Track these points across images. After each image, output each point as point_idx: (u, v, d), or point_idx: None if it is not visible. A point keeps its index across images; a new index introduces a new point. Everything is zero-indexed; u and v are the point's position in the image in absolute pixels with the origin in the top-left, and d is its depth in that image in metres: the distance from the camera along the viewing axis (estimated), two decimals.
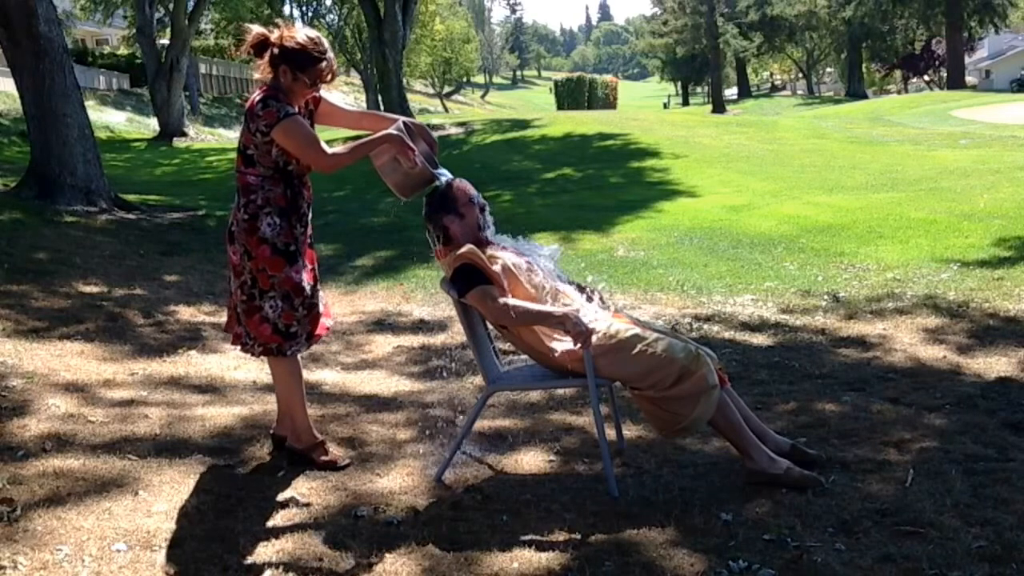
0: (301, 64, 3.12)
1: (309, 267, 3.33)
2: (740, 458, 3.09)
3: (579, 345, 2.98)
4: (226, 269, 3.44)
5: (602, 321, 3.11)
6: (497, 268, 3.13)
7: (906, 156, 14.71)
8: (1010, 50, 46.79)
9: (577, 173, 14.71)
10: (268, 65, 3.16)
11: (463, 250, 3.15)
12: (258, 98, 3.14)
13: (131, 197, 10.35)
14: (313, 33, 3.19)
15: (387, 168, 3.19)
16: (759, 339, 5.19)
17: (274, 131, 3.09)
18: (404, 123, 3.23)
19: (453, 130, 20.30)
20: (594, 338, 3.02)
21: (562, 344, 3.10)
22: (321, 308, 3.38)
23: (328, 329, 3.48)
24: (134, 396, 4.10)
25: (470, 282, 3.10)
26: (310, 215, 3.34)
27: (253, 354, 3.36)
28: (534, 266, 3.24)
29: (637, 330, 3.07)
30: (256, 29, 3.20)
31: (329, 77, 3.21)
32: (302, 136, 3.12)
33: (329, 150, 3.16)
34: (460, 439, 3.30)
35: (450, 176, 3.28)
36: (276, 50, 3.13)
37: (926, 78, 51.22)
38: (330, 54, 3.19)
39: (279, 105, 3.10)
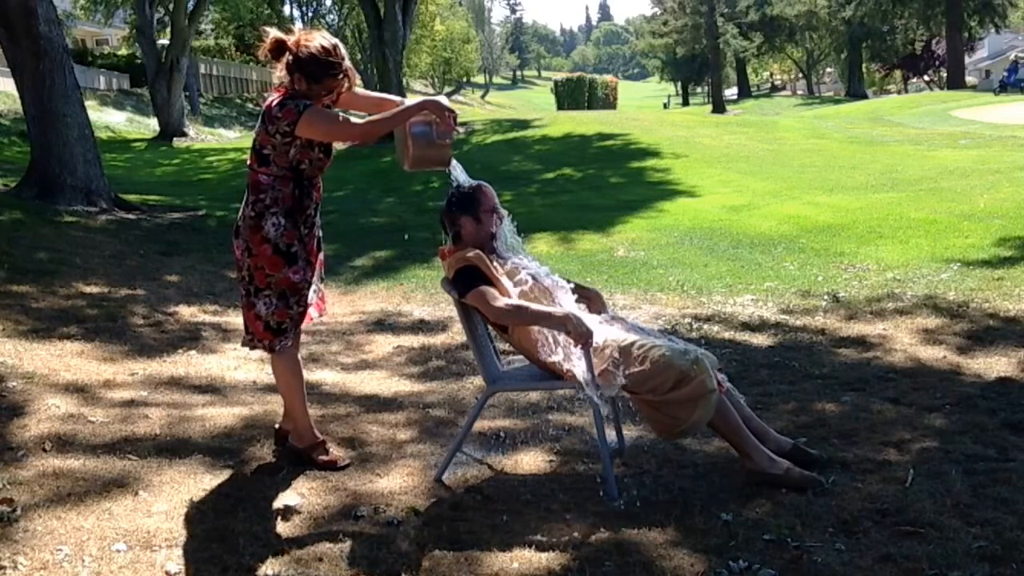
0: (315, 75, 3.10)
1: (312, 263, 3.32)
2: (740, 458, 3.09)
3: (579, 346, 2.98)
4: (229, 266, 3.45)
5: (600, 331, 3.10)
6: (498, 273, 3.14)
7: (906, 156, 14.71)
8: (1010, 50, 46.76)
9: (577, 173, 14.72)
10: (284, 70, 3.14)
11: (467, 253, 3.16)
12: (276, 101, 3.13)
13: (131, 197, 10.35)
14: (330, 41, 3.13)
15: (416, 129, 3.10)
16: (759, 339, 5.19)
17: (298, 128, 3.07)
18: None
19: None
20: (593, 345, 3.02)
21: (562, 356, 3.10)
22: (313, 300, 3.36)
23: (311, 319, 3.44)
24: (134, 396, 4.10)
25: (471, 283, 3.11)
26: (317, 216, 3.33)
27: (252, 348, 3.36)
28: (536, 277, 3.24)
29: (634, 336, 3.08)
30: (273, 33, 3.17)
31: (345, 86, 3.20)
32: (326, 119, 3.11)
33: (359, 120, 3.14)
34: (460, 439, 3.30)
35: (464, 174, 3.30)
36: (291, 57, 3.12)
37: (926, 78, 51.19)
38: (346, 63, 3.16)
39: (295, 102, 3.08)
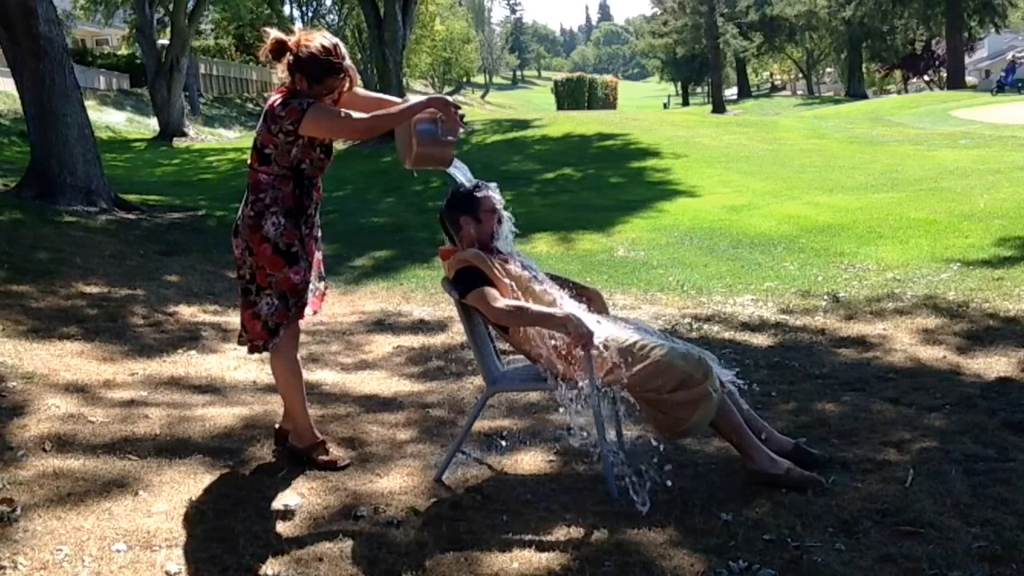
0: (316, 74, 3.11)
1: (312, 264, 3.32)
2: (740, 458, 3.09)
3: (580, 347, 2.98)
4: (229, 266, 3.45)
5: (601, 332, 3.10)
6: (499, 273, 3.14)
7: (906, 156, 14.72)
8: (1010, 50, 46.77)
9: (577, 173, 14.71)
10: (286, 70, 3.15)
11: (468, 253, 3.16)
12: (278, 101, 3.13)
13: (131, 197, 10.35)
14: (330, 41, 3.14)
15: (421, 127, 3.08)
16: (759, 339, 5.18)
17: (302, 126, 3.07)
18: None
19: None
20: (593, 352, 3.01)
21: (563, 363, 3.10)
22: (309, 299, 3.36)
23: (309, 320, 3.44)
24: (134, 396, 4.10)
25: (471, 283, 3.11)
26: (317, 216, 3.34)
27: (249, 349, 3.36)
28: (536, 278, 3.24)
29: (636, 337, 3.07)
30: (274, 33, 3.18)
31: (346, 85, 3.20)
32: (330, 116, 3.11)
33: (363, 115, 3.15)
34: (460, 439, 3.30)
35: (466, 175, 3.30)
36: (291, 57, 3.12)
37: (926, 78, 51.17)
38: (347, 62, 3.16)
39: (298, 101, 3.09)
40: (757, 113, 38.50)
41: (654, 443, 3.39)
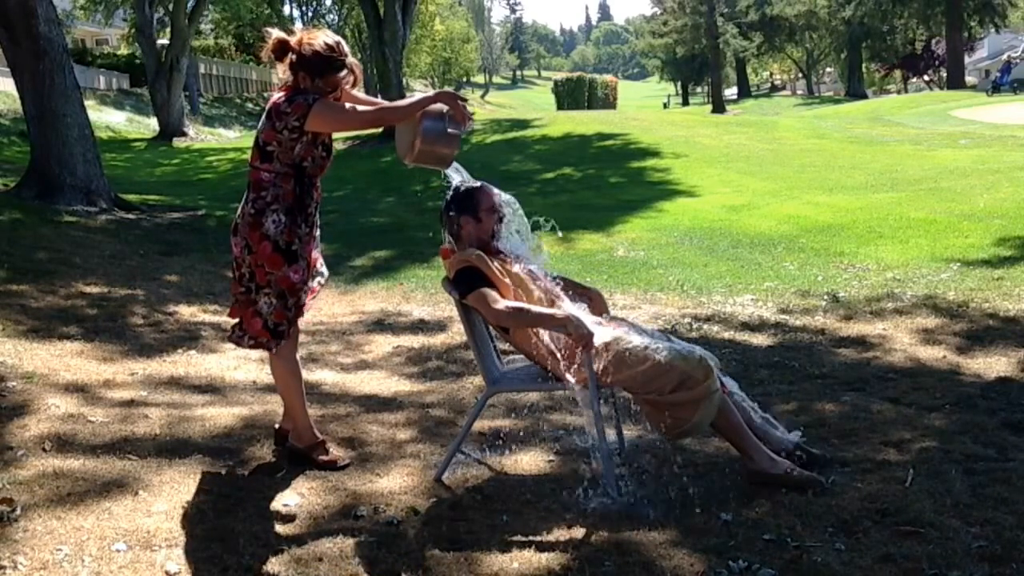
0: (320, 71, 3.12)
1: (309, 264, 3.32)
2: (740, 458, 3.09)
3: (580, 348, 2.98)
4: (229, 266, 3.45)
5: (601, 333, 3.10)
6: (500, 274, 3.13)
7: (906, 156, 14.72)
8: (1009, 50, 46.76)
9: (577, 173, 14.71)
10: (288, 69, 3.15)
11: (468, 254, 3.15)
12: (282, 98, 3.14)
13: (131, 197, 10.35)
14: (332, 39, 3.16)
15: (427, 124, 3.07)
16: (759, 339, 5.19)
17: (309, 121, 3.08)
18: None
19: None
20: (595, 346, 3.01)
21: (565, 365, 3.09)
22: (305, 300, 3.35)
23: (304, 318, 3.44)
24: (134, 396, 4.10)
25: (472, 284, 3.11)
26: (317, 216, 3.34)
27: (242, 345, 3.36)
28: (537, 278, 3.24)
29: (636, 337, 3.07)
30: (276, 34, 3.19)
31: (350, 83, 3.22)
32: (336, 110, 3.12)
33: (369, 108, 3.16)
34: (460, 439, 3.30)
35: (467, 175, 3.30)
36: (294, 56, 3.13)
37: (926, 78, 51.16)
38: (350, 59, 3.18)
39: (303, 97, 3.10)
40: (757, 113, 38.49)
41: (654, 443, 3.40)
